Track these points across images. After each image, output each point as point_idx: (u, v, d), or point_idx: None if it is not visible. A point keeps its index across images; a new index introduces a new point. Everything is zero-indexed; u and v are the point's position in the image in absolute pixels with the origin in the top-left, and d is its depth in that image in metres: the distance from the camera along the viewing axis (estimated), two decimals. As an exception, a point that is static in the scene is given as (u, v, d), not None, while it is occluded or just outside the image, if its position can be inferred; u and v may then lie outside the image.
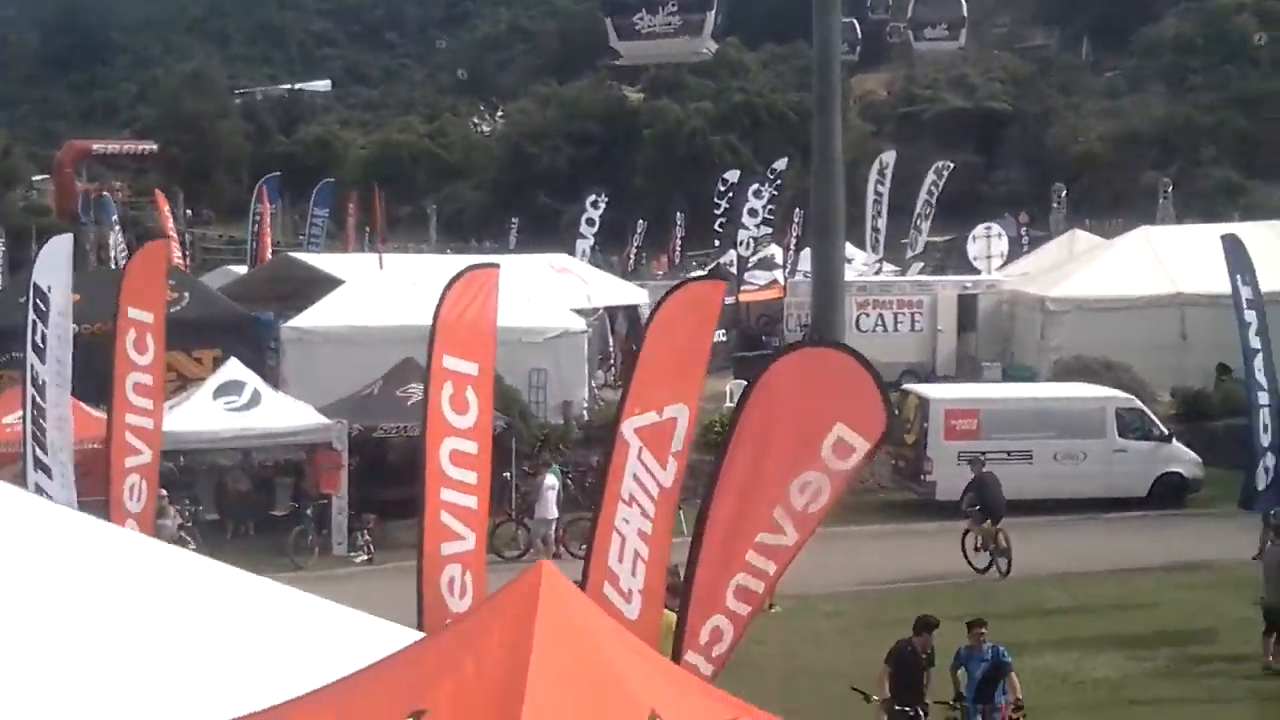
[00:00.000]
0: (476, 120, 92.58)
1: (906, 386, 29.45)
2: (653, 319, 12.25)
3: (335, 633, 9.65)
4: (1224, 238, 23.77)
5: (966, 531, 23.52)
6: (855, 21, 55.04)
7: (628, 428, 11.91)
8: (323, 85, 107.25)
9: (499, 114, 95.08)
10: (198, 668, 8.73)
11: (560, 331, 29.94)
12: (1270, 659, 17.75)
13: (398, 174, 74.02)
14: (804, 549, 10.82)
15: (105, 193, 63.80)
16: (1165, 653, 18.38)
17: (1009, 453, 27.24)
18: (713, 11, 42.18)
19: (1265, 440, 21.63)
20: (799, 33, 69.22)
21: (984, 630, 13.68)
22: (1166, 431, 28.12)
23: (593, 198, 52.31)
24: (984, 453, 26.90)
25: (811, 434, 10.38)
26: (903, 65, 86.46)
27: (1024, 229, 57.64)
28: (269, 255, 42.84)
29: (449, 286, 11.75)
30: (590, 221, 51.39)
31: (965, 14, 68.58)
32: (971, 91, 77.49)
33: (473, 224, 74.07)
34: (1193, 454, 28.03)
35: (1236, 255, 22.95)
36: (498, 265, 12.20)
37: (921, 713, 12.05)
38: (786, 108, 74.68)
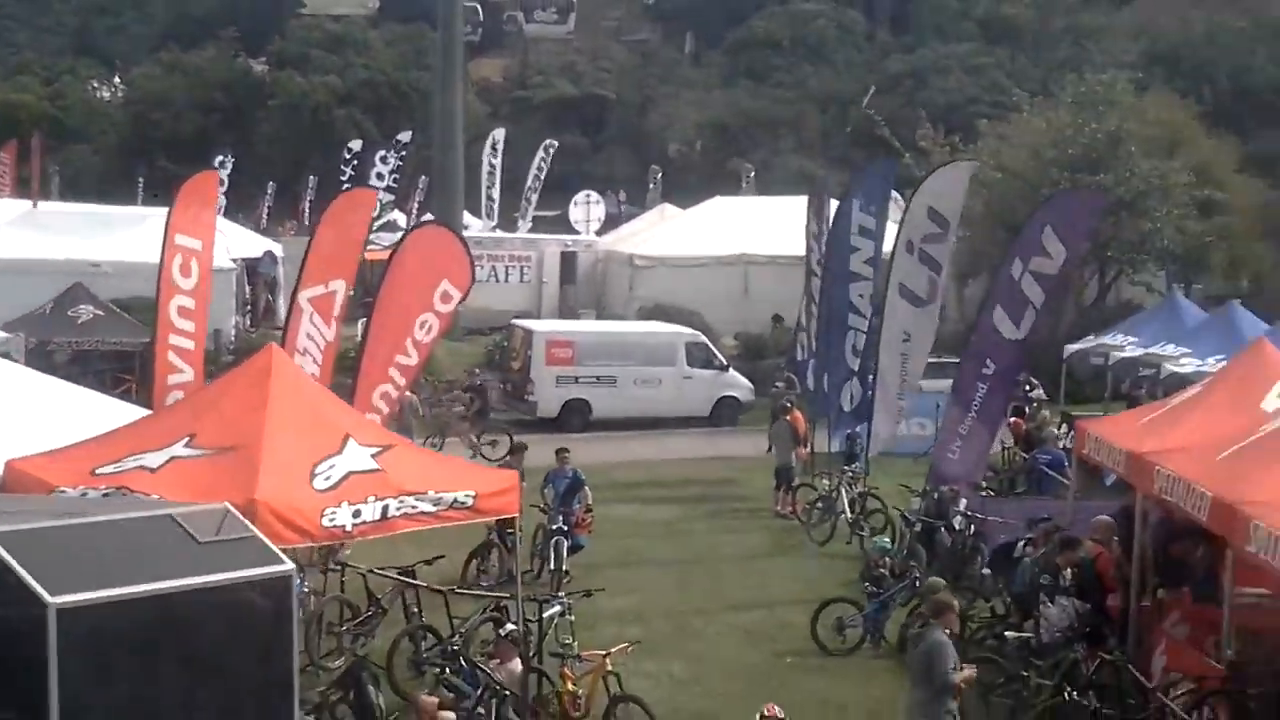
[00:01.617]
0: (96, 84, 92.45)
1: (515, 321, 34.53)
2: (321, 221, 16.81)
3: (96, 405, 13.81)
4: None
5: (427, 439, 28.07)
6: (478, 5, 59.83)
7: (303, 297, 16.45)
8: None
9: (117, 80, 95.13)
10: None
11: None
12: (778, 507, 23.59)
13: (14, 135, 74.13)
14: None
15: None
16: (705, 506, 24.13)
17: (598, 377, 32.59)
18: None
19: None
20: (421, 13, 73.47)
21: (567, 454, 18.81)
22: (725, 362, 34.06)
23: (220, 159, 55.30)
24: (578, 378, 32.38)
25: (427, 287, 15.66)
26: (517, 53, 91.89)
27: (623, 206, 63.87)
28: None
29: (179, 189, 15.98)
30: (220, 182, 54.29)
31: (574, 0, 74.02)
32: (580, 79, 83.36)
33: (94, 186, 74.93)
34: (747, 382, 33.98)
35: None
36: (216, 170, 16.46)
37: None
38: (408, 86, 78.55)
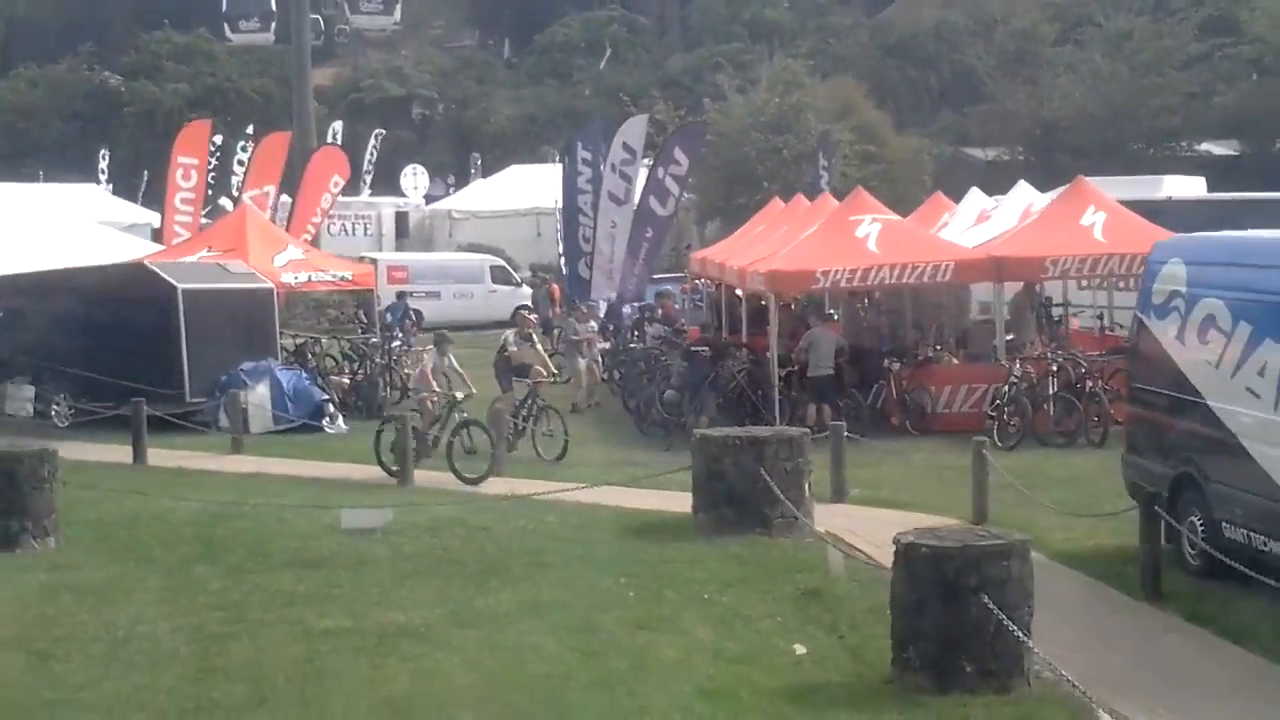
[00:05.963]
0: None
1: (363, 254, 46.39)
2: (253, 157, 28.91)
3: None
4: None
5: None
6: (319, 18, 71.99)
7: (246, 196, 28.47)
8: None
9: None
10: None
11: (130, 224, 44.89)
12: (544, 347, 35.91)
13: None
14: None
15: None
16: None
17: (427, 293, 44.61)
18: (274, 23, 73.02)
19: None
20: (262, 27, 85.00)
21: (405, 293, 30.96)
22: (520, 280, 46.43)
23: (103, 151, 66.47)
24: (411, 293, 44.35)
25: (325, 179, 27.90)
26: (349, 61, 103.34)
27: (450, 188, 75.94)
28: None
29: (179, 133, 27.93)
30: (103, 171, 65.68)
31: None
32: (406, 80, 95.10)
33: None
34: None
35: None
36: (209, 122, 28.41)
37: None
38: (251, 91, 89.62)
